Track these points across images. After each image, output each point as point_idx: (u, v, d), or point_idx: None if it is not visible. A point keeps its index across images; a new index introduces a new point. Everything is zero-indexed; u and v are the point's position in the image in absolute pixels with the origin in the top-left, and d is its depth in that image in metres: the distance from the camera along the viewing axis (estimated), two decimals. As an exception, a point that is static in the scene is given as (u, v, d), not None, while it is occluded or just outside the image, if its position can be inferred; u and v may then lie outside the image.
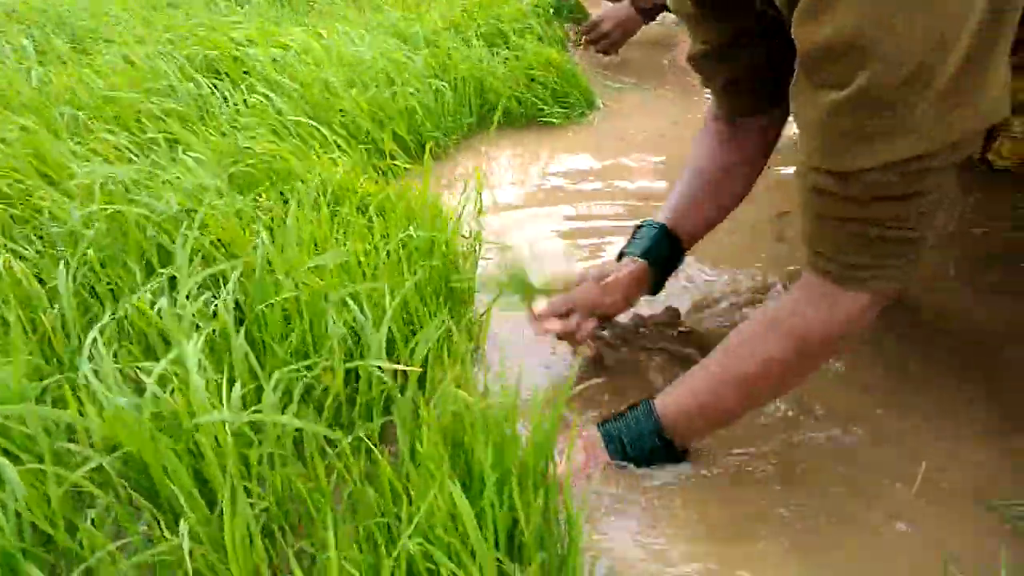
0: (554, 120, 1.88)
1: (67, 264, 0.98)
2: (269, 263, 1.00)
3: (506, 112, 1.88)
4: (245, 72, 1.77)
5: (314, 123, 1.54)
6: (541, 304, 1.00)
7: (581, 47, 2.27)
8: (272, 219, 1.14)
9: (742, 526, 0.82)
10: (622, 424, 0.86)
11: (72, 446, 0.74)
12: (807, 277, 0.77)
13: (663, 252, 1.03)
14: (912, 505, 0.83)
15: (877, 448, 0.91)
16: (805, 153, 0.69)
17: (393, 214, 1.20)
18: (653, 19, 2.22)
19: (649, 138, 1.81)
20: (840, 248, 0.71)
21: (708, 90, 1.05)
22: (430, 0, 2.36)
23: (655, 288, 1.06)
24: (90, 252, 1.02)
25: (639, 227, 1.06)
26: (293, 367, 0.82)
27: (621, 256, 1.05)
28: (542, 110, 1.89)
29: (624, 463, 0.86)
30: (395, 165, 1.56)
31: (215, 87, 1.68)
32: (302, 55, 1.82)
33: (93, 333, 0.80)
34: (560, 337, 1.02)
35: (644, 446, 0.85)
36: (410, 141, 1.72)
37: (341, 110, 1.65)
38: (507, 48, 2.03)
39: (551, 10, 2.27)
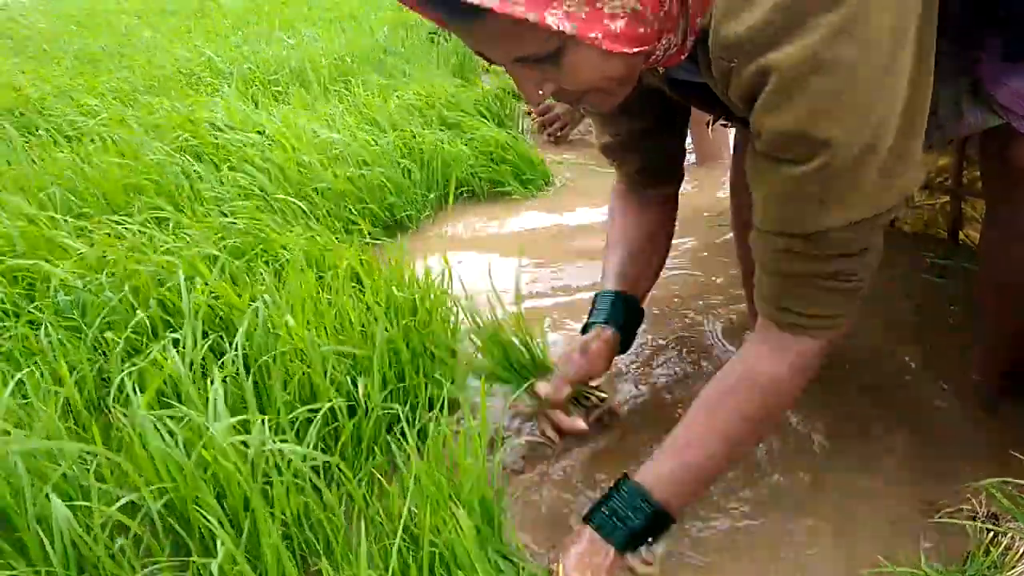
0: (514, 195, 2.05)
1: (83, 331, 1.08)
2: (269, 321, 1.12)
3: (469, 188, 2.05)
4: (226, 156, 1.91)
5: (294, 200, 1.67)
6: (545, 386, 1.04)
7: (535, 130, 2.48)
8: (264, 283, 1.25)
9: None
10: (610, 509, 0.86)
11: (102, 485, 0.82)
12: (769, 331, 0.84)
13: (626, 316, 1.12)
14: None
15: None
16: (771, 220, 0.77)
17: (371, 279, 1.33)
18: None
19: (601, 208, 1.99)
20: (806, 302, 0.80)
21: (617, 170, 1.17)
22: (391, 87, 2.55)
23: (625, 348, 1.15)
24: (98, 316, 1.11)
25: (596, 298, 1.14)
26: (303, 409, 0.93)
27: (587, 328, 1.11)
28: (502, 184, 2.06)
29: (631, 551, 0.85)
30: (370, 237, 1.69)
31: (197, 171, 1.80)
32: (279, 139, 1.97)
33: (119, 378, 0.90)
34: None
35: (638, 525, 0.84)
36: (382, 215, 1.86)
37: (316, 189, 1.79)
38: (464, 132, 2.22)
39: (510, 93, 2.48)
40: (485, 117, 2.33)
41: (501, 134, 2.16)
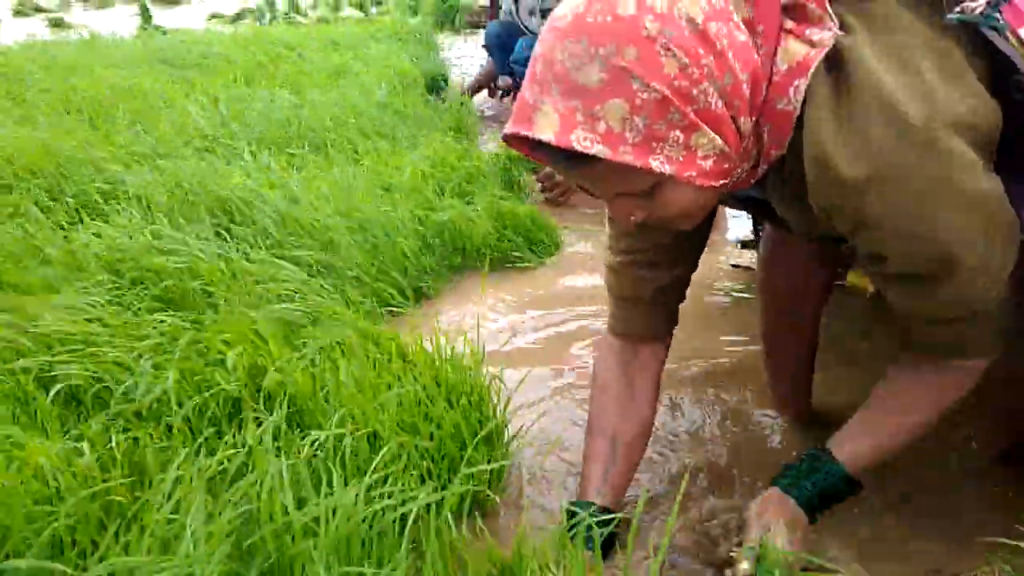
0: (528, 263, 2.16)
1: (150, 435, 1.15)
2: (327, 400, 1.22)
3: (482, 256, 2.15)
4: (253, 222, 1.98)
5: (327, 283, 1.75)
6: None
7: (539, 194, 2.61)
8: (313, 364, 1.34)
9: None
10: (810, 481, 0.98)
11: None
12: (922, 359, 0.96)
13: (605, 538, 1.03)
14: None
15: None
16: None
17: (415, 358, 1.42)
18: None
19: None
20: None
21: (617, 305, 1.17)
22: (397, 149, 2.66)
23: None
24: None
25: (576, 507, 1.07)
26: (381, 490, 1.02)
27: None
28: (516, 253, 2.17)
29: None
30: (397, 309, 1.79)
31: (230, 239, 1.87)
32: (305, 206, 2.06)
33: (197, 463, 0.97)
34: None
35: (833, 493, 0.99)
36: (406, 286, 1.95)
37: (344, 261, 1.87)
38: (472, 200, 2.33)
39: (513, 159, 2.60)
40: (489, 186, 2.45)
41: (511, 201, 2.28)
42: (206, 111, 3.09)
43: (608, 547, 1.06)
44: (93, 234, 1.84)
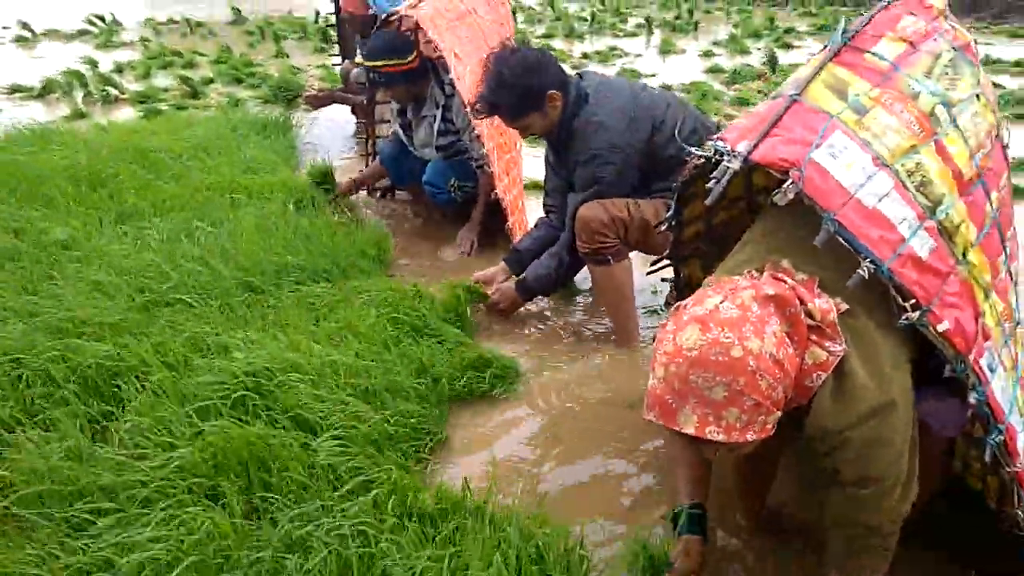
0: (499, 392, 2.60)
1: None
2: None
3: (458, 391, 2.56)
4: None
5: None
6: None
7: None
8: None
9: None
10: None
11: None
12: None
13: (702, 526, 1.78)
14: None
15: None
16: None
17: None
18: (530, 299, 3.10)
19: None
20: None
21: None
22: (357, 304, 2.93)
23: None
24: None
25: (677, 513, 1.80)
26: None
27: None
28: (486, 385, 2.61)
29: None
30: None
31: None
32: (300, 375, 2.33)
33: None
34: None
35: None
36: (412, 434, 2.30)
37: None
38: (438, 338, 2.73)
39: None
40: (448, 321, 2.85)
41: (472, 342, 2.71)
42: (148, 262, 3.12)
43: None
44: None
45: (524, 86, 2.59)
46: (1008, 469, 1.55)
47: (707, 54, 9.69)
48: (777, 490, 2.00)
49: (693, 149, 1.72)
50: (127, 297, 2.85)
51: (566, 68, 2.76)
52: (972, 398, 1.48)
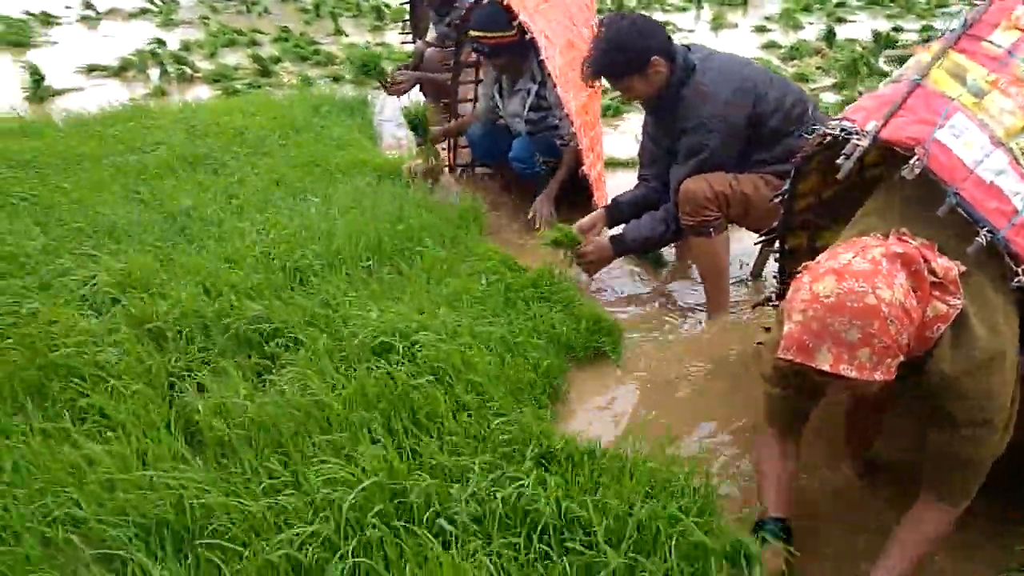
0: (611, 355, 2.84)
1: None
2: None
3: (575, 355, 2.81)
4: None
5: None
6: None
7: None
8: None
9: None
10: None
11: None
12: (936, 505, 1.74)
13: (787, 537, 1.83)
14: None
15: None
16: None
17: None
18: (620, 256, 3.27)
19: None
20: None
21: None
22: (466, 271, 3.19)
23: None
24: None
25: (760, 524, 1.83)
26: None
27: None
28: (603, 342, 2.85)
29: None
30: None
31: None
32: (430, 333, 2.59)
33: None
34: None
35: None
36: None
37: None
38: (547, 301, 2.97)
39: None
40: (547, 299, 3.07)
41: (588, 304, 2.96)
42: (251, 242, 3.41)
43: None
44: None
45: (628, 48, 2.75)
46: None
47: (760, 29, 9.66)
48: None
49: (818, 127, 1.92)
50: (262, 264, 3.12)
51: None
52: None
